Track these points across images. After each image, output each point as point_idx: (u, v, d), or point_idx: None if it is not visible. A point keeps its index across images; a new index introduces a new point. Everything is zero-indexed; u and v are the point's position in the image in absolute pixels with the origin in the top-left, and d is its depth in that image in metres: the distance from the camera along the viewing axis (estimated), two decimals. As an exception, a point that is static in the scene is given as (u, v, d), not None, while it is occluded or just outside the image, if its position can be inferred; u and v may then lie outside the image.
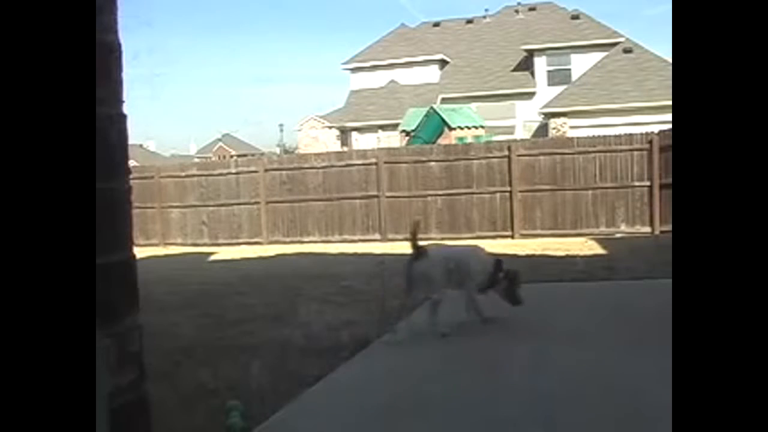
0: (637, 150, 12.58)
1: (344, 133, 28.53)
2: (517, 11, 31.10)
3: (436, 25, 32.23)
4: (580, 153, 12.85)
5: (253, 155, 32.09)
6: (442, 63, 29.00)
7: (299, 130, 47.29)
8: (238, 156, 32.27)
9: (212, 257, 12.32)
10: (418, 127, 18.59)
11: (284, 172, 14.52)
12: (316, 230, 14.28)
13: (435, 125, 18.21)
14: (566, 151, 12.97)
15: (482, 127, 19.67)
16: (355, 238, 13.88)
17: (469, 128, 18.61)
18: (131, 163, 1.34)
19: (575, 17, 27.82)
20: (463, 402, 3.10)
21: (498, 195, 13.19)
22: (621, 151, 12.67)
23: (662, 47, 35.88)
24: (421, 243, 4.60)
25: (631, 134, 12.87)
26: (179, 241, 15.10)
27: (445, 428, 2.83)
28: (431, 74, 28.65)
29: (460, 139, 17.35)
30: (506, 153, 13.14)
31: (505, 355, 3.90)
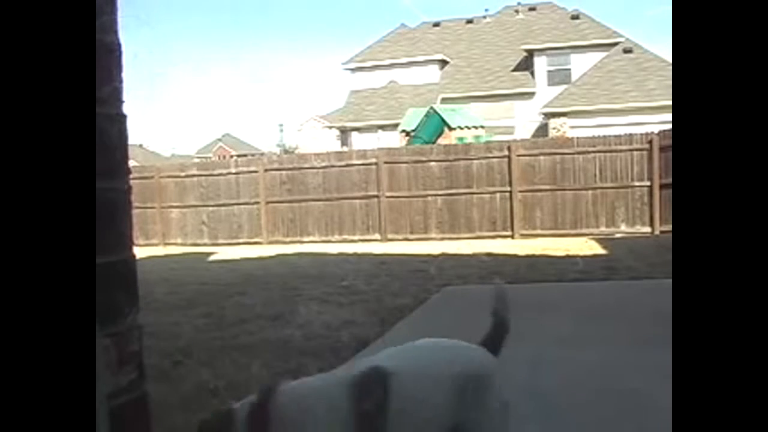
0: (637, 150, 12.59)
1: (344, 133, 28.52)
2: (517, 11, 31.11)
3: (436, 25, 32.23)
4: (580, 153, 12.86)
5: (253, 155, 32.09)
6: (442, 63, 29.00)
7: (299, 130, 47.29)
8: (238, 156, 32.27)
9: (212, 257, 12.32)
10: (418, 127, 18.58)
11: (284, 172, 14.52)
12: (316, 230, 14.29)
13: (435, 125, 18.21)
14: (566, 151, 12.97)
15: (482, 127, 19.67)
16: (355, 238, 13.89)
17: (469, 128, 18.60)
18: (131, 163, 1.34)
19: (575, 17, 27.82)
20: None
21: (498, 195, 13.19)
22: (621, 151, 12.68)
23: (662, 47, 35.90)
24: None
25: (631, 134, 12.88)
26: (179, 241, 15.11)
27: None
28: (431, 74, 28.64)
29: (460, 139, 17.34)
30: (506, 153, 13.14)
31: (505, 356, 3.90)
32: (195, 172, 15.47)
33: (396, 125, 22.13)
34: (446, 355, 1.75)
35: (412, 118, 19.53)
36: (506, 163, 13.10)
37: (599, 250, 10.25)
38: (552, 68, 26.09)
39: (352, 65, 30.10)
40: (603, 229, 12.71)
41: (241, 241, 14.60)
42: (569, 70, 25.46)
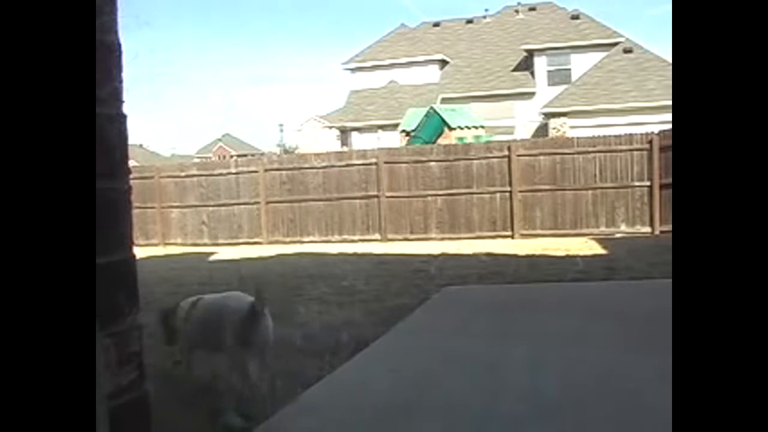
0: (637, 150, 12.59)
1: (344, 133, 28.53)
2: (517, 11, 31.12)
3: (436, 25, 32.24)
4: (580, 153, 12.86)
5: (253, 155, 32.11)
6: (442, 63, 29.01)
7: (299, 130, 47.33)
8: (238, 156, 32.29)
9: (212, 257, 12.32)
10: (418, 127, 18.59)
11: (284, 172, 14.52)
12: (316, 230, 14.29)
13: (435, 125, 18.22)
14: (566, 151, 12.98)
15: (482, 127, 19.68)
16: (355, 238, 13.89)
17: (469, 128, 18.61)
18: (131, 163, 1.34)
19: (575, 17, 27.83)
20: (463, 402, 3.10)
21: (498, 195, 13.20)
22: (621, 151, 12.69)
23: (664, 47, 35.92)
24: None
25: (631, 134, 12.89)
26: (179, 241, 15.12)
27: (446, 428, 2.83)
28: (431, 74, 28.65)
29: (460, 139, 17.35)
30: (506, 153, 13.15)
31: (505, 356, 3.90)
32: (195, 172, 15.47)
33: (396, 125, 22.15)
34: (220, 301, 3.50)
35: (412, 118, 19.54)
36: (506, 163, 13.10)
37: (599, 250, 10.25)
38: (552, 68, 26.10)
39: (352, 65, 30.11)
40: (603, 229, 12.71)
41: (241, 241, 14.61)
42: (569, 70, 25.48)
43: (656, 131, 12.73)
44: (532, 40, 26.95)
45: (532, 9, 30.70)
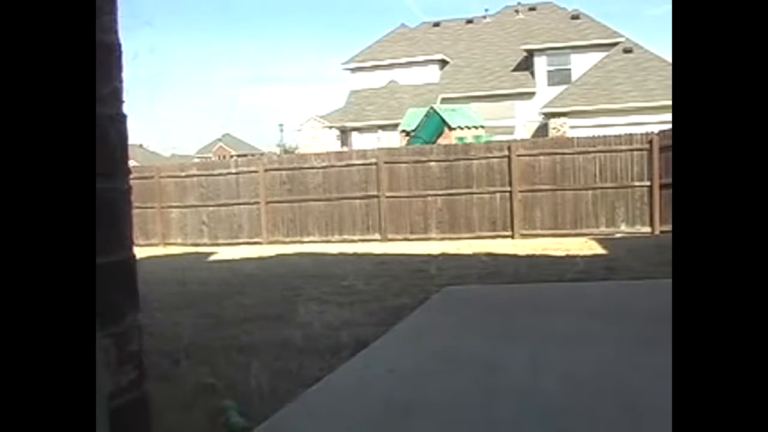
0: (637, 150, 12.60)
1: (344, 133, 28.53)
2: (517, 11, 31.11)
3: (436, 25, 32.24)
4: (580, 153, 12.86)
5: (253, 155, 32.08)
6: (442, 63, 29.00)
7: (299, 130, 47.35)
8: (238, 156, 32.26)
9: (212, 257, 12.32)
10: (418, 127, 18.58)
11: (284, 172, 14.52)
12: (316, 230, 14.29)
13: (435, 125, 18.21)
14: (566, 151, 12.98)
15: (482, 127, 19.67)
16: (355, 238, 13.89)
17: (469, 128, 18.61)
18: (131, 163, 1.34)
19: (575, 17, 27.83)
20: (463, 402, 3.10)
21: (498, 195, 13.20)
22: (621, 151, 12.69)
23: (664, 47, 35.93)
24: None
25: (631, 134, 12.89)
26: (179, 241, 15.12)
27: (445, 428, 2.83)
28: (431, 74, 28.65)
29: (460, 139, 17.35)
30: (506, 153, 13.15)
31: (505, 356, 3.90)
32: (195, 172, 15.48)
33: (396, 125, 22.14)
34: None
35: (412, 118, 19.53)
36: (506, 163, 13.11)
37: (599, 250, 10.25)
38: (552, 68, 26.10)
39: (352, 65, 30.10)
40: (603, 229, 12.71)
41: (241, 241, 14.61)
42: (569, 70, 25.48)
43: (656, 131, 12.74)
44: (532, 40, 26.94)
45: (532, 9, 30.69)
